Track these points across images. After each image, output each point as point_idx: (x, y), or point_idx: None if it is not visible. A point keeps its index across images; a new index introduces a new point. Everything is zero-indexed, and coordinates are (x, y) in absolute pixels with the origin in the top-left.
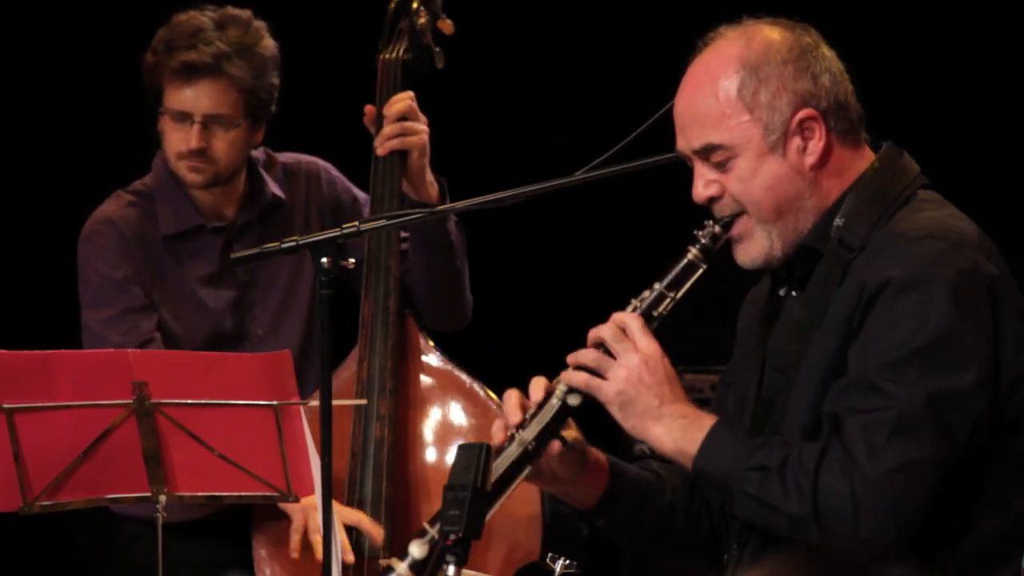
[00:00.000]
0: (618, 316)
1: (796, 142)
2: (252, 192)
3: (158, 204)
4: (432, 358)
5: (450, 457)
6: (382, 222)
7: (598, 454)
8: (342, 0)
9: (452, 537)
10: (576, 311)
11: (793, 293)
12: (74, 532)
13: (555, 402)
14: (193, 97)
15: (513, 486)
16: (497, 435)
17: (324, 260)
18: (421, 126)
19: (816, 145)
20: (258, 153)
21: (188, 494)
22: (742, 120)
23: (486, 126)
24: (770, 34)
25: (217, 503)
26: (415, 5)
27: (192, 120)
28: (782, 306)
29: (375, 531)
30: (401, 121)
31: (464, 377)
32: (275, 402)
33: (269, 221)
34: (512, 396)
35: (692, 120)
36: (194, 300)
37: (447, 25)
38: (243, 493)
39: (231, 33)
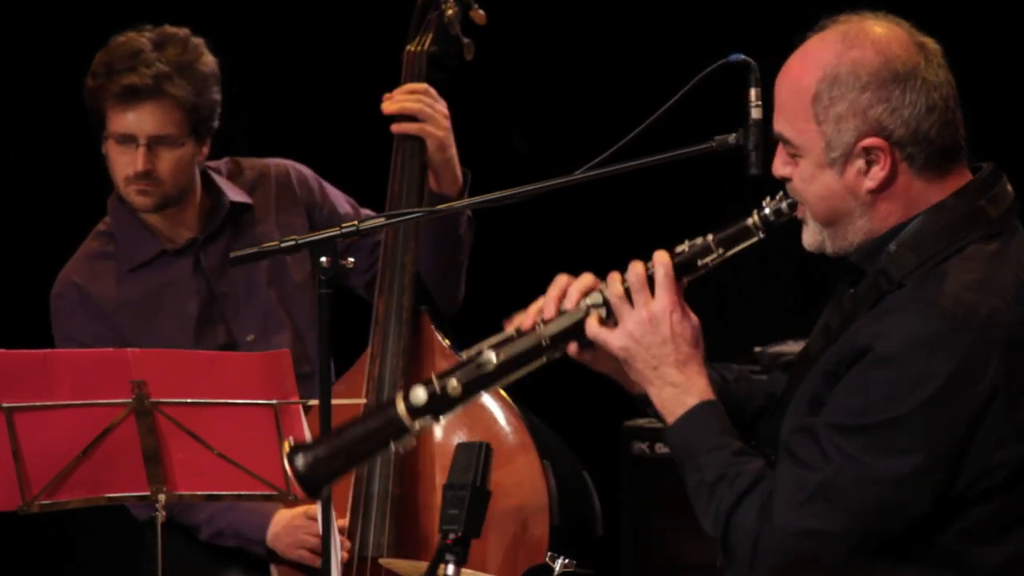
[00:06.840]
0: (657, 255)
1: (858, 164)
2: (213, 204)
3: (118, 241)
4: (447, 357)
5: None
6: (381, 220)
7: None
8: None
9: (451, 536)
10: None
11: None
12: (66, 533)
13: (581, 308)
14: (136, 120)
15: (517, 374)
16: (527, 318)
17: (323, 260)
18: (435, 113)
19: (879, 173)
20: (221, 163)
21: (187, 493)
22: (810, 126)
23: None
24: (868, 49)
25: (216, 502)
26: None
27: (137, 143)
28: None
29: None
30: (412, 106)
31: None
32: (275, 401)
33: (237, 227)
34: (558, 283)
35: (778, 103)
36: (173, 321)
37: (479, 15)
38: (242, 492)
39: (170, 52)
